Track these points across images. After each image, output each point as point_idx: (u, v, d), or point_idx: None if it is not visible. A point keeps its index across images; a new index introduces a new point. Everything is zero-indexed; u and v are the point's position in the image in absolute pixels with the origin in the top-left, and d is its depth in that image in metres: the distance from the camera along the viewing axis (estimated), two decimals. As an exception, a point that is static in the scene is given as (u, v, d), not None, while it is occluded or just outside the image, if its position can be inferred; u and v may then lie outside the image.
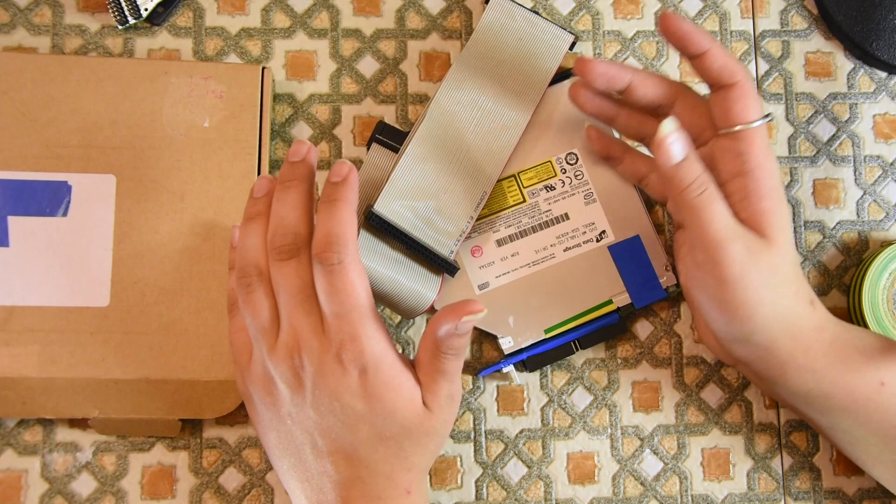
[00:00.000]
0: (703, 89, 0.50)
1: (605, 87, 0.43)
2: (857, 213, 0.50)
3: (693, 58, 0.41)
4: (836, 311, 0.49)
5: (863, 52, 0.51)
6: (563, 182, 0.48)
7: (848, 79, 0.51)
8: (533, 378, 0.48)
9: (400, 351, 0.43)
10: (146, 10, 0.48)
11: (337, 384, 0.38)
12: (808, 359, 0.41)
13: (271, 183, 0.41)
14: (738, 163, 0.40)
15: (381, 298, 0.44)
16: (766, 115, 0.41)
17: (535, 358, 0.47)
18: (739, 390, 0.49)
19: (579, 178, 0.48)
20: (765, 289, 0.40)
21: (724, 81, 0.41)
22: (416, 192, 0.45)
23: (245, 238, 0.40)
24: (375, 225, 0.44)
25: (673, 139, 0.39)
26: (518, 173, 0.48)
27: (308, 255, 0.39)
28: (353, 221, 0.38)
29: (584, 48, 0.51)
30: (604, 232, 0.48)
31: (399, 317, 0.48)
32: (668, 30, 0.41)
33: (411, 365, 0.40)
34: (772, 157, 0.41)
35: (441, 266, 0.45)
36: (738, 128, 0.40)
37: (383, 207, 0.45)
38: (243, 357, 0.41)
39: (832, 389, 0.42)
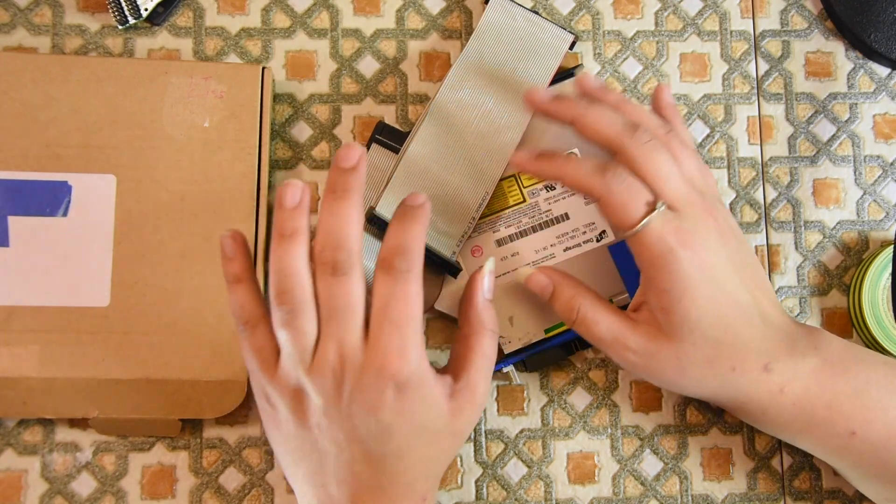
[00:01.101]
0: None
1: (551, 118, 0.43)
2: (858, 213, 0.50)
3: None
4: (836, 311, 0.49)
5: (862, 45, 0.51)
6: (564, 182, 0.48)
7: (848, 79, 0.51)
8: (533, 378, 0.48)
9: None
10: (146, 10, 0.48)
11: (375, 400, 0.37)
12: (768, 417, 0.41)
13: (303, 192, 0.38)
14: (637, 261, 0.40)
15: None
16: (653, 209, 0.38)
17: (536, 358, 0.47)
18: (739, 390, 0.49)
19: (579, 177, 0.48)
20: (678, 375, 0.41)
21: (591, 198, 0.41)
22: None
23: (284, 257, 0.37)
24: (377, 226, 0.44)
25: (536, 280, 0.43)
26: (518, 173, 0.48)
27: (361, 272, 0.38)
28: (423, 240, 0.39)
29: (584, 48, 0.51)
30: (604, 232, 0.48)
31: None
32: (525, 169, 0.42)
33: (441, 374, 0.41)
34: (668, 252, 0.38)
35: (443, 267, 0.46)
36: (617, 237, 0.42)
37: (385, 209, 0.45)
38: (267, 371, 0.39)
39: (799, 439, 0.42)
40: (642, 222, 0.38)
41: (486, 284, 0.43)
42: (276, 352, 0.39)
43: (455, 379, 0.41)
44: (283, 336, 0.38)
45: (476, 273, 0.43)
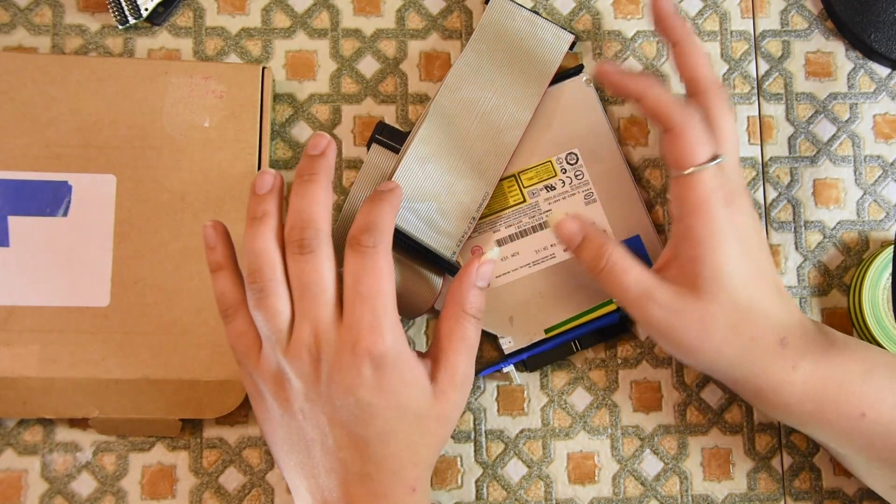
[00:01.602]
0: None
1: (616, 95, 0.44)
2: (858, 213, 0.50)
3: (636, 101, 0.42)
4: (836, 311, 0.49)
5: (863, 45, 0.51)
6: (564, 182, 0.48)
7: (848, 79, 0.51)
8: (533, 378, 0.48)
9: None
10: (146, 9, 0.48)
11: (353, 378, 0.38)
12: (779, 396, 0.41)
13: (274, 178, 0.40)
14: (677, 206, 0.41)
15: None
16: (714, 158, 0.40)
17: (536, 358, 0.47)
18: (740, 390, 0.49)
19: (580, 177, 0.48)
20: (700, 339, 0.40)
21: (662, 126, 0.41)
22: (417, 193, 0.45)
23: (255, 239, 0.39)
24: None
25: (566, 226, 0.42)
26: (518, 173, 0.48)
27: (329, 250, 0.39)
28: (393, 220, 0.40)
29: (585, 48, 0.51)
30: (604, 232, 0.48)
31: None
32: (604, 78, 0.43)
33: (422, 357, 0.41)
34: (713, 202, 0.40)
35: (443, 267, 0.46)
36: (673, 174, 0.41)
37: (384, 208, 0.45)
38: (251, 358, 0.40)
39: (809, 421, 0.42)
40: (702, 166, 0.40)
41: (483, 271, 0.42)
42: (259, 339, 0.40)
43: (434, 362, 0.41)
44: (258, 318, 0.39)
45: (474, 258, 0.42)
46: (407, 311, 0.46)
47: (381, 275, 0.38)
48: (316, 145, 0.40)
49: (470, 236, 0.47)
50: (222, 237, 0.41)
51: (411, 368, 0.39)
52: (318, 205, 0.39)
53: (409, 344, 0.48)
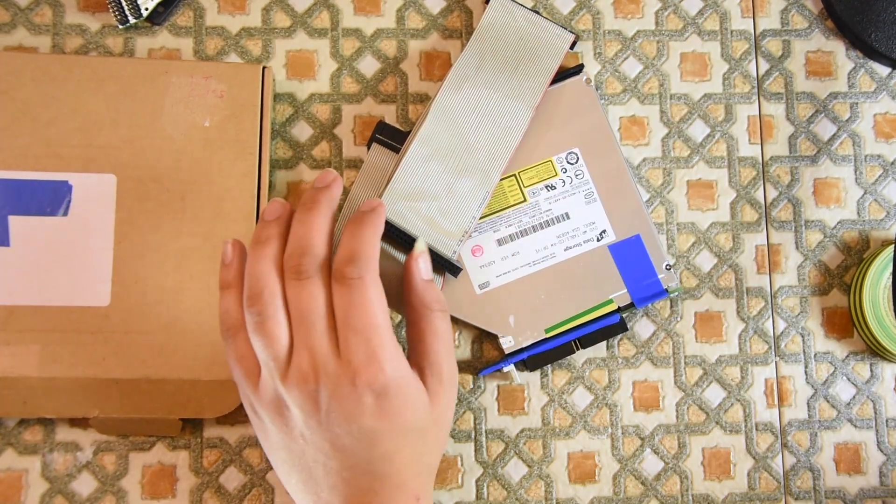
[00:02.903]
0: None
1: None
2: (858, 213, 0.50)
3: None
4: (836, 311, 0.49)
5: (863, 45, 0.51)
6: (564, 181, 0.48)
7: (848, 78, 0.51)
8: (533, 377, 0.48)
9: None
10: (147, 9, 0.48)
11: (354, 408, 0.37)
12: None
13: (283, 207, 0.40)
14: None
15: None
16: None
17: (536, 357, 0.47)
18: (740, 389, 0.49)
19: (580, 177, 0.48)
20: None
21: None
22: (418, 192, 0.45)
23: (256, 262, 0.39)
24: None
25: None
26: (518, 172, 0.48)
27: (327, 278, 0.38)
28: (377, 245, 0.39)
29: (585, 48, 0.51)
30: (604, 231, 0.48)
31: (400, 316, 0.48)
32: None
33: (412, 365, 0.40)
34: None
35: (444, 266, 0.46)
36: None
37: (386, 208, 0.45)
38: (250, 381, 0.39)
39: None
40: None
41: (421, 265, 0.42)
42: (258, 364, 0.39)
43: (418, 368, 0.40)
44: (256, 343, 0.38)
45: (409, 257, 0.42)
46: (407, 310, 0.46)
47: (370, 306, 0.37)
48: (323, 179, 0.40)
49: (470, 235, 0.47)
50: (239, 256, 0.40)
51: (413, 388, 0.39)
52: (318, 231, 0.39)
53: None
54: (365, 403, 0.37)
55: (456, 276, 0.46)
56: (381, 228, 0.40)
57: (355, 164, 0.49)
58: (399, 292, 0.44)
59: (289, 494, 0.42)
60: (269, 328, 0.38)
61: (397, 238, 0.44)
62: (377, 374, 0.37)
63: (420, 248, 0.42)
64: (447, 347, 0.41)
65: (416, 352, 0.41)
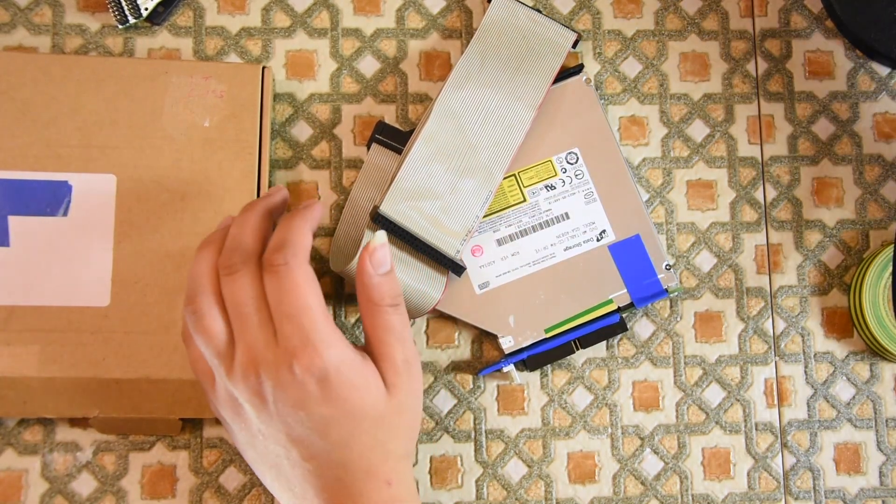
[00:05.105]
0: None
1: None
2: (858, 213, 0.50)
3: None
4: (836, 311, 0.50)
5: (863, 45, 0.51)
6: (564, 181, 0.48)
7: (848, 78, 0.51)
8: (533, 377, 0.48)
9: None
10: (146, 9, 0.48)
11: (298, 394, 0.37)
12: None
13: (227, 217, 0.41)
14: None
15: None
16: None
17: (536, 357, 0.47)
18: (740, 389, 0.49)
19: (580, 177, 0.48)
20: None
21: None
22: (422, 192, 0.45)
23: (194, 267, 0.39)
24: (381, 226, 0.44)
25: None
26: (518, 172, 0.48)
27: (259, 269, 0.38)
28: (307, 234, 0.39)
29: (585, 48, 0.51)
30: (604, 231, 0.48)
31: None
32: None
33: (366, 354, 0.40)
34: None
35: (447, 266, 0.45)
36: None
37: (389, 208, 0.45)
38: (208, 384, 0.40)
39: None
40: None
41: (377, 258, 0.40)
42: (210, 365, 0.39)
43: (374, 360, 0.40)
44: (199, 343, 0.39)
45: (363, 252, 0.41)
46: (412, 310, 0.46)
47: (299, 290, 0.37)
48: (269, 191, 0.42)
49: (473, 235, 0.47)
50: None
51: (358, 371, 0.38)
52: (249, 228, 0.39)
53: (410, 343, 0.48)
54: (309, 390, 0.37)
55: (459, 276, 0.46)
56: (312, 221, 0.40)
57: (355, 164, 0.49)
58: (405, 300, 0.44)
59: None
60: (206, 325, 0.38)
61: (401, 238, 0.44)
62: (313, 357, 0.37)
63: (379, 240, 0.41)
64: (399, 340, 0.40)
65: (369, 345, 0.41)
